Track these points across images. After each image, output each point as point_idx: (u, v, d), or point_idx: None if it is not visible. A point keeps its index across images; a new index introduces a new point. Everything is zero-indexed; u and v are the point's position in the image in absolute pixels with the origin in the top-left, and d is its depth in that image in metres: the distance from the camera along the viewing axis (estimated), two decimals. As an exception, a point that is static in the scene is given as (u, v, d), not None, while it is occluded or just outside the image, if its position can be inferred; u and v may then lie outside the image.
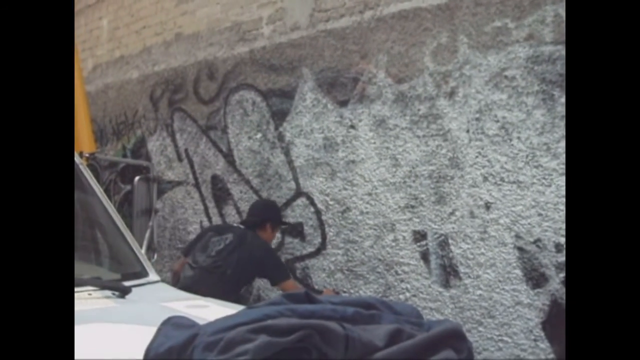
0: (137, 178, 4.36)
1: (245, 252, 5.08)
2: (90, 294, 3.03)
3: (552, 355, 4.56)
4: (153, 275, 3.51)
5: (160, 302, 3.07)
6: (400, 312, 2.27)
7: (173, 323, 2.13)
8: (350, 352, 1.91)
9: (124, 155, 7.57)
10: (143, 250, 3.89)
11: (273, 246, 5.75)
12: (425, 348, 2.00)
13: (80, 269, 3.31)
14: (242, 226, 5.41)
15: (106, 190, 7.01)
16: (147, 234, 4.25)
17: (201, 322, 2.17)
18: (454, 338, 2.12)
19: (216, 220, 6.80)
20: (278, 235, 6.01)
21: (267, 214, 5.51)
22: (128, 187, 7.02)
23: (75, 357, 2.00)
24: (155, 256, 4.44)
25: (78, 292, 2.95)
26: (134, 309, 2.97)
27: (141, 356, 2.00)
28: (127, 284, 3.23)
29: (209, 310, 2.89)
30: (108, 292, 3.09)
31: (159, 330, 2.09)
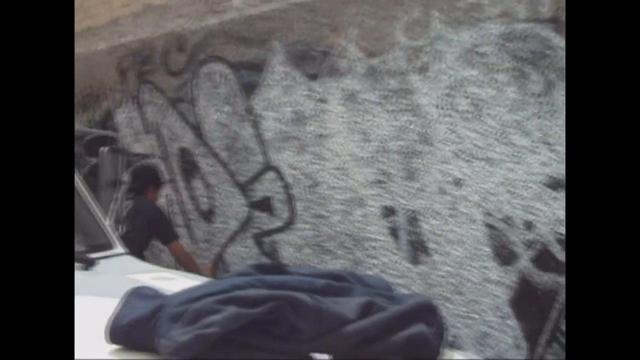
0: (103, 149, 4.29)
1: (145, 218, 5.53)
2: (53, 266, 2.96)
3: (519, 332, 4.57)
4: (119, 248, 3.45)
5: (126, 274, 3.03)
6: (370, 284, 2.24)
7: (138, 294, 2.07)
8: (320, 324, 1.87)
9: (90, 128, 7.46)
10: (109, 223, 3.83)
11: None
12: (397, 321, 1.97)
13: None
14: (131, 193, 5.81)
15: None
16: (114, 206, 4.19)
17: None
18: (426, 311, 2.10)
19: (184, 194, 6.73)
20: (245, 208, 6.02)
21: (149, 180, 5.90)
22: (94, 160, 6.92)
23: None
24: (121, 229, 4.39)
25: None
26: (99, 280, 2.92)
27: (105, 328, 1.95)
28: (92, 256, 3.18)
29: (175, 283, 2.85)
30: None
31: (124, 301, 2.03)
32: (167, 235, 5.77)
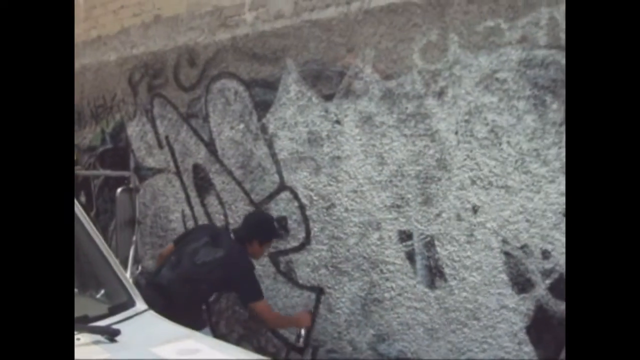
0: (119, 190, 4.27)
1: (227, 273, 4.97)
2: (78, 339, 2.96)
3: (535, 359, 4.57)
4: (140, 304, 3.43)
5: (150, 346, 3.01)
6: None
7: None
8: None
9: (103, 139, 7.42)
10: (129, 267, 3.83)
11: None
12: None
13: (66, 300, 3.24)
14: (233, 236, 5.28)
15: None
16: (132, 251, 4.17)
17: None
18: None
19: (198, 210, 6.70)
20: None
21: (256, 231, 5.32)
22: (107, 172, 6.93)
23: None
24: (140, 268, 4.36)
25: (66, 337, 2.89)
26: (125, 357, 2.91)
27: None
28: (115, 318, 3.18)
29: (199, 356, 2.84)
30: (98, 335, 3.02)
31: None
32: (252, 295, 5.11)
